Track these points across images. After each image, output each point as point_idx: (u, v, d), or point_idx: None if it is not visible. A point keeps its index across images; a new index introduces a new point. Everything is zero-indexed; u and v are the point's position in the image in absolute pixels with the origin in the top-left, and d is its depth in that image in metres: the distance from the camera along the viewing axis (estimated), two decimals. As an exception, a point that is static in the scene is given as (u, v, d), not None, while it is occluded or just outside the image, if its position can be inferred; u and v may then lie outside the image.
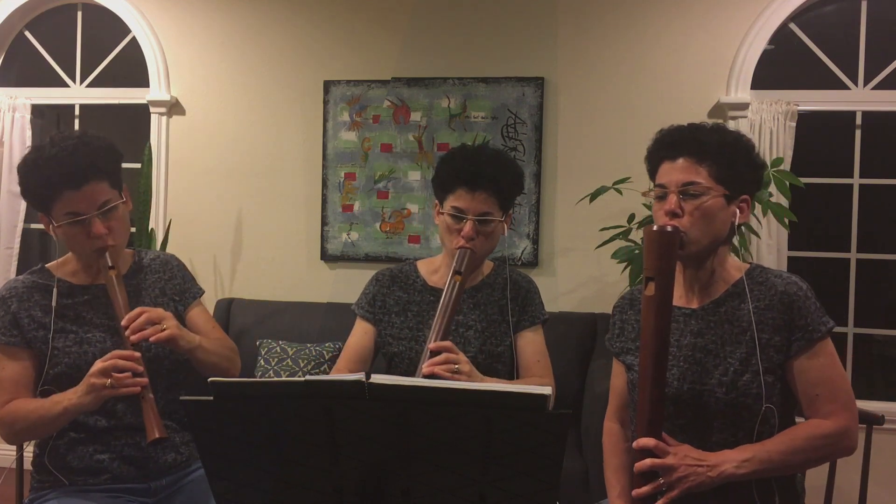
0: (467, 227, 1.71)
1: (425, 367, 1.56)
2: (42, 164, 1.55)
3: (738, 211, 1.49)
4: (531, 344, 1.81)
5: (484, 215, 1.72)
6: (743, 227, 2.77)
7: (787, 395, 1.48)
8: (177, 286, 1.81)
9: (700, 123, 1.54)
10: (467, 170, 1.73)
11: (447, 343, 1.61)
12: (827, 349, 1.44)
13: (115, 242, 1.62)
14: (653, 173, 1.56)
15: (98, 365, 1.51)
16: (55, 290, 1.65)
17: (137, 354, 1.53)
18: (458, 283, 1.66)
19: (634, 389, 1.57)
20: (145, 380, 1.53)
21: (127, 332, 1.54)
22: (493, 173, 1.73)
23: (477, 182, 1.71)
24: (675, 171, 1.47)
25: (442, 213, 1.79)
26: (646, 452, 1.36)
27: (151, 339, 1.54)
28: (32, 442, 1.72)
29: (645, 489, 1.35)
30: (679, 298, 1.55)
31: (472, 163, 1.74)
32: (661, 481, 1.34)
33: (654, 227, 1.40)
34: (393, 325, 1.83)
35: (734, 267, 1.55)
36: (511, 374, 1.83)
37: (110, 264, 1.61)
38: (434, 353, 1.59)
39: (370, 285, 1.90)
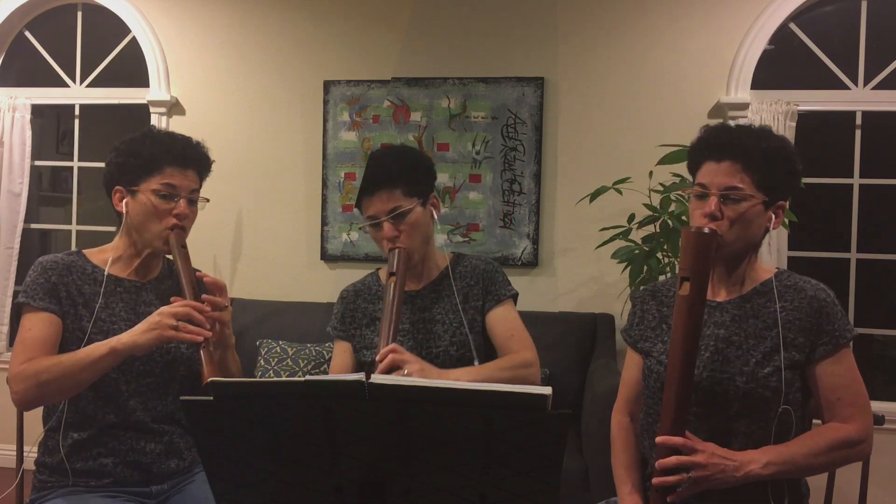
0: (385, 228, 1.76)
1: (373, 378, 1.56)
2: (159, 137, 1.70)
3: (773, 216, 1.51)
4: (501, 322, 1.79)
5: (393, 211, 1.75)
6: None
7: (805, 398, 1.50)
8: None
9: (748, 126, 1.55)
10: (363, 183, 1.79)
11: (390, 346, 1.59)
12: (849, 355, 1.47)
13: (187, 229, 1.70)
14: (693, 170, 1.57)
15: (171, 308, 1.53)
16: (105, 274, 1.68)
17: (209, 309, 1.56)
18: (394, 284, 1.70)
19: (651, 376, 1.59)
20: (210, 333, 1.54)
21: (208, 281, 1.61)
22: (380, 172, 1.77)
23: (372, 186, 1.76)
24: (719, 174, 1.48)
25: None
26: (671, 449, 1.37)
27: (215, 312, 1.57)
28: (34, 442, 1.72)
29: (670, 479, 1.35)
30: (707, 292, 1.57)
31: (367, 176, 1.79)
32: (686, 475, 1.35)
33: (693, 229, 1.42)
34: (365, 338, 1.86)
35: (763, 269, 1.58)
36: (490, 360, 1.79)
37: (182, 244, 1.67)
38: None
39: (337, 305, 1.94)
